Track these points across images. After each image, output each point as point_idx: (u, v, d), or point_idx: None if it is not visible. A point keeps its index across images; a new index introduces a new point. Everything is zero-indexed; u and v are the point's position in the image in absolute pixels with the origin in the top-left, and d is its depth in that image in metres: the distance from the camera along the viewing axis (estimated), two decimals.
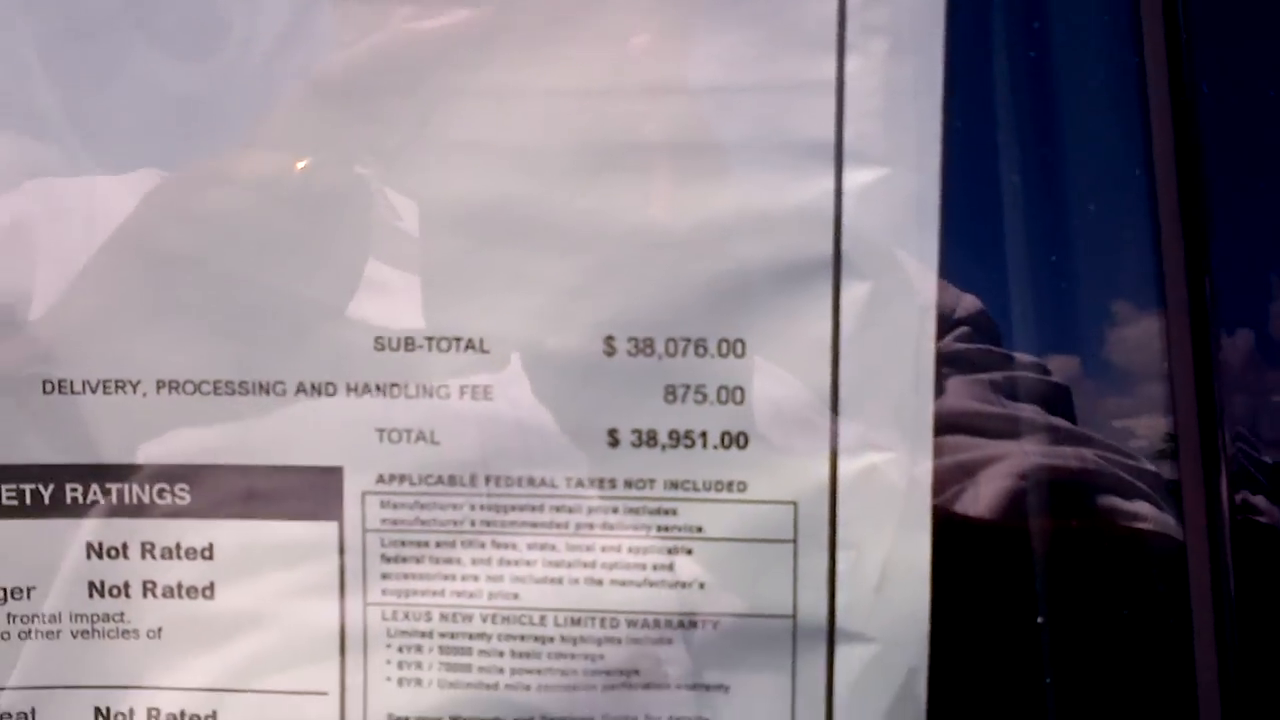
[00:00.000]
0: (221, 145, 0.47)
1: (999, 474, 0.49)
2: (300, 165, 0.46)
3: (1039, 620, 0.49)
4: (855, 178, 0.46)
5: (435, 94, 0.46)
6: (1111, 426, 0.49)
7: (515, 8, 0.46)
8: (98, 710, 0.50)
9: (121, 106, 0.46)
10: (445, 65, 0.46)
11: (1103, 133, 0.49)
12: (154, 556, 0.49)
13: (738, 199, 0.46)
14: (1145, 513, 0.49)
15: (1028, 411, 0.49)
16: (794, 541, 0.48)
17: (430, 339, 0.47)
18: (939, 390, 0.47)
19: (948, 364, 0.48)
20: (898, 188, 0.46)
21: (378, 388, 0.48)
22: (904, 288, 0.47)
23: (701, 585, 0.49)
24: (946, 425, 0.48)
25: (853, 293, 0.46)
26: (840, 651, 0.48)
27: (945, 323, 0.48)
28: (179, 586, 0.50)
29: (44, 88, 0.46)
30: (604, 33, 0.46)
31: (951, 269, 0.47)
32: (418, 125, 0.46)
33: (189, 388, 0.48)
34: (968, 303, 0.49)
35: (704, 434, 0.48)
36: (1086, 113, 0.48)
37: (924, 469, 0.48)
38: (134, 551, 0.49)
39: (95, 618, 0.50)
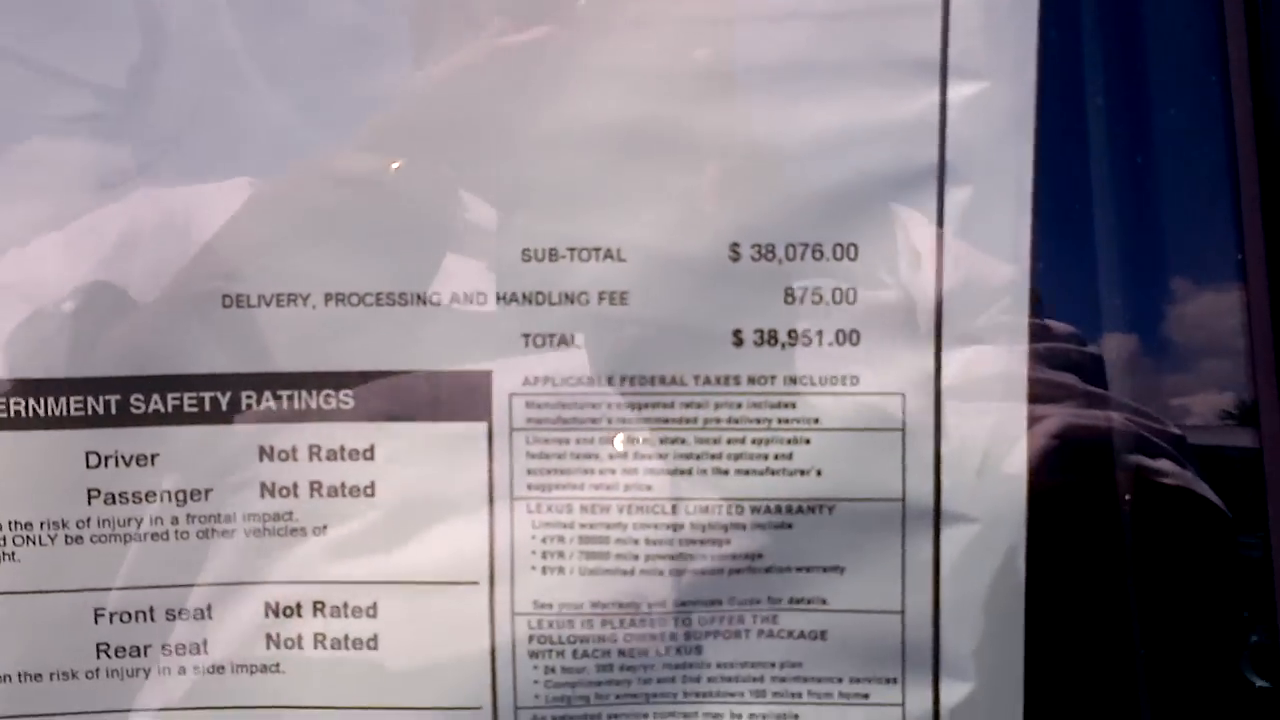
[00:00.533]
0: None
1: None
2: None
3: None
4: (959, 91, 0.51)
5: (584, 23, 0.51)
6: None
7: None
8: (267, 605, 0.54)
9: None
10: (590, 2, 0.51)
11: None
12: (320, 458, 0.53)
13: (851, 114, 0.51)
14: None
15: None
16: (902, 430, 0.53)
17: (572, 249, 0.52)
18: None
19: None
20: (997, 99, 0.51)
21: (524, 296, 0.52)
22: (1003, 190, 0.51)
23: (819, 473, 0.53)
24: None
25: (956, 196, 0.51)
26: (945, 532, 0.53)
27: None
28: (342, 486, 0.54)
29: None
30: None
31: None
32: (566, 53, 0.51)
33: (353, 299, 0.52)
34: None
35: (820, 333, 0.52)
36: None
37: (1019, 361, 0.52)
38: (302, 454, 0.53)
39: (266, 517, 0.54)
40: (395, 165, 0.51)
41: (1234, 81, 0.51)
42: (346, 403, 0.53)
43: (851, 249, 0.52)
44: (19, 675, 0.53)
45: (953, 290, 0.52)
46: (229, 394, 0.53)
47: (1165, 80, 0.53)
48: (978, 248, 0.52)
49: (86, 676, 0.54)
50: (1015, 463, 0.52)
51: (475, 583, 0.54)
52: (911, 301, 0.52)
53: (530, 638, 0.54)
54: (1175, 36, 0.54)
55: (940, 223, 0.52)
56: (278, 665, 0.54)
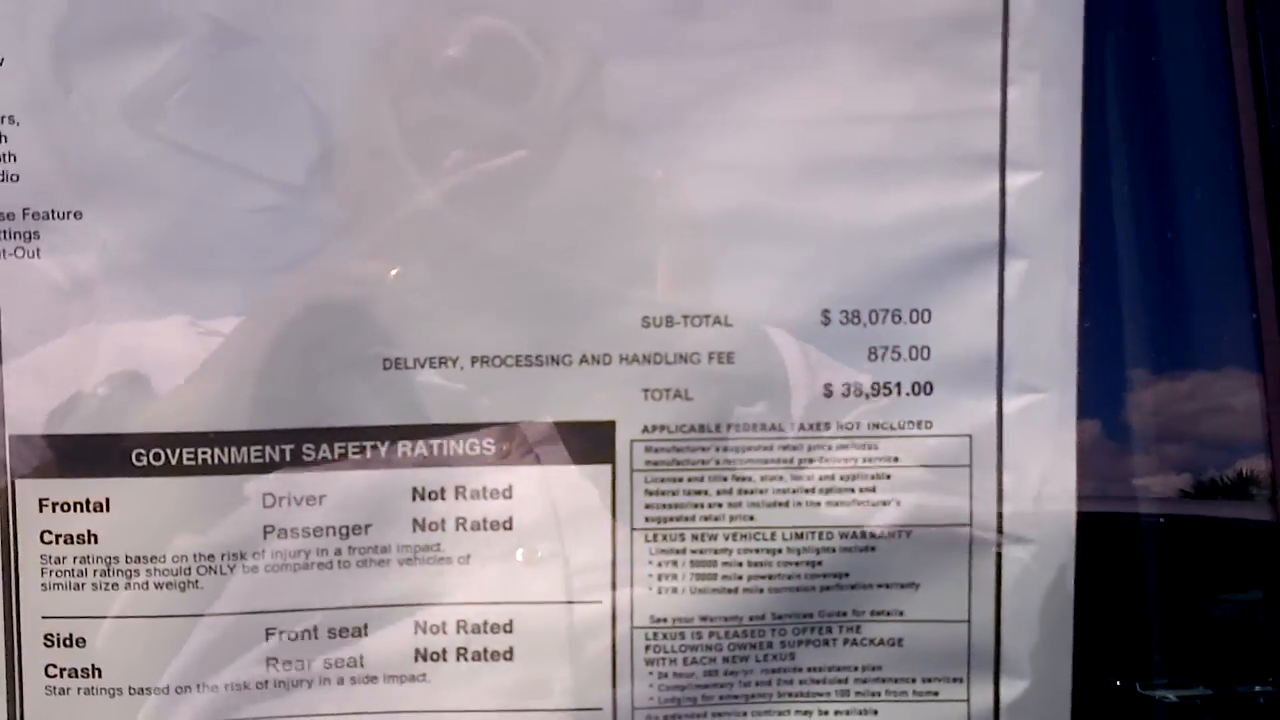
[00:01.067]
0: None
1: None
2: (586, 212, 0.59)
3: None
4: (1016, 180, 0.60)
5: (696, 126, 0.59)
6: None
7: (757, 60, 0.59)
8: (417, 624, 0.61)
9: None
10: (704, 105, 0.59)
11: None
12: (465, 497, 0.61)
13: (925, 200, 0.59)
14: None
15: None
16: (970, 466, 0.61)
17: (686, 316, 0.60)
18: None
19: None
20: (1049, 187, 0.60)
21: (644, 357, 0.60)
22: (1053, 264, 0.60)
23: (898, 503, 0.61)
24: None
25: (1014, 269, 0.60)
26: (1006, 552, 0.61)
27: None
28: (484, 521, 0.61)
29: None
30: (822, 76, 0.59)
31: None
32: (681, 151, 0.59)
33: (496, 361, 0.60)
34: None
35: (898, 384, 0.61)
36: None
37: (1069, 405, 0.61)
38: (449, 494, 0.61)
39: (417, 548, 0.61)
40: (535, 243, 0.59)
41: (1247, 165, 0.60)
42: (489, 449, 0.60)
43: (926, 313, 0.60)
44: (198, 686, 0.60)
45: (1012, 348, 0.60)
46: (387, 443, 0.60)
47: (1188, 164, 0.62)
48: (1033, 312, 0.60)
49: (257, 687, 0.61)
50: (1066, 492, 0.61)
51: (599, 602, 0.61)
52: (977, 357, 0.61)
53: (647, 647, 0.61)
54: (1194, 127, 0.63)
55: (1001, 291, 0.60)
56: (425, 675, 0.62)
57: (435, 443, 0.60)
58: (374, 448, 0.60)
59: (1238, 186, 0.61)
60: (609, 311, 0.60)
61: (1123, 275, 0.63)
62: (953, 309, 0.60)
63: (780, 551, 0.61)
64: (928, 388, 0.61)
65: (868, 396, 0.61)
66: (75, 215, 0.57)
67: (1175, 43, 0.62)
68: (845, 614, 0.62)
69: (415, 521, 0.61)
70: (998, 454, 0.61)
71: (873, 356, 0.61)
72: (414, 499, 0.61)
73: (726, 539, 0.61)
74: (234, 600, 0.60)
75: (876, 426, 0.61)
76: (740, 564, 0.61)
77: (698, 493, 0.61)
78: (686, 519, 0.61)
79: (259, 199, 0.58)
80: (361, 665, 0.61)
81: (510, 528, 0.61)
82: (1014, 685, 0.62)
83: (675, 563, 0.61)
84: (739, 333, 0.60)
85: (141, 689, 0.59)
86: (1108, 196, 0.62)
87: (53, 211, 0.57)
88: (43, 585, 0.59)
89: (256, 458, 0.59)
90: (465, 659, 0.62)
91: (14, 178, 0.57)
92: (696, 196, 0.59)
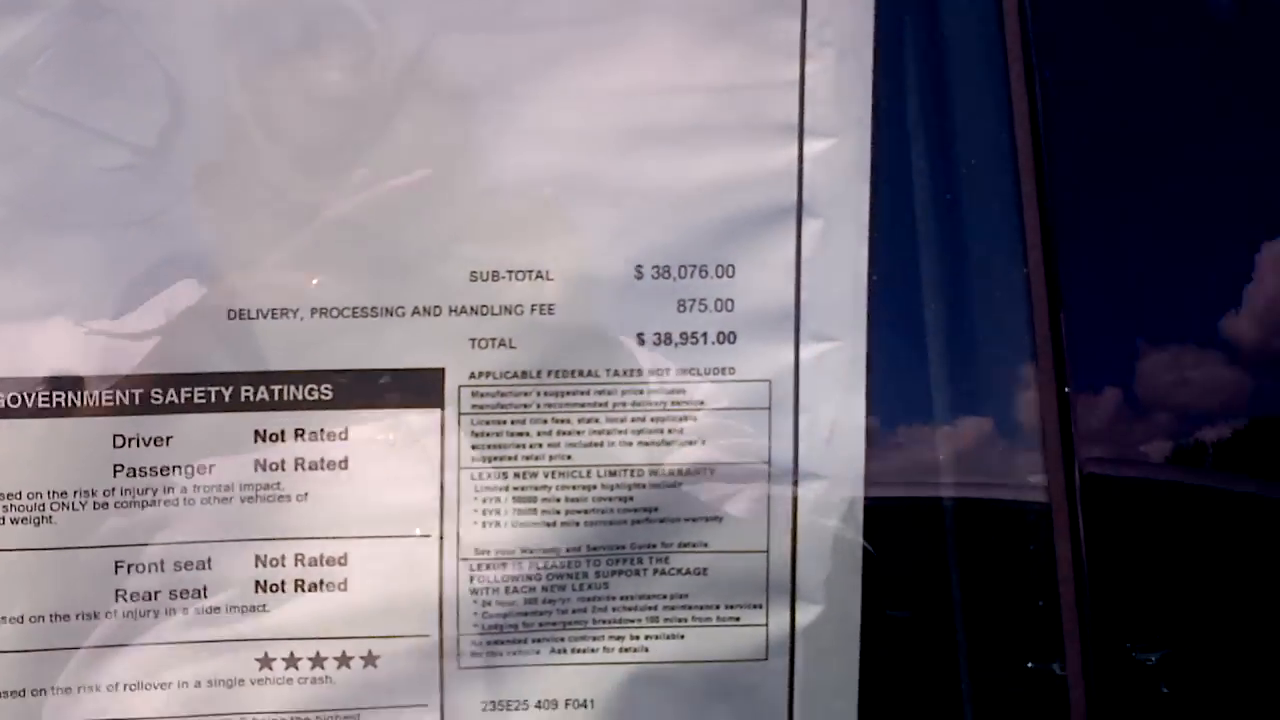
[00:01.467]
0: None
1: None
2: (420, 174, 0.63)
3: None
4: (812, 146, 0.65)
5: (522, 96, 0.64)
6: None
7: (579, 36, 0.64)
8: (257, 557, 0.65)
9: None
10: (530, 76, 0.64)
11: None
12: (304, 439, 0.64)
13: (731, 165, 0.65)
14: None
15: None
16: (769, 409, 0.66)
17: (511, 271, 0.64)
18: None
19: None
20: (842, 153, 0.65)
21: (471, 309, 0.64)
22: (846, 223, 0.66)
23: (703, 442, 0.66)
24: None
25: (811, 228, 0.65)
26: (802, 487, 0.67)
27: None
28: (322, 461, 0.64)
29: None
30: (638, 50, 0.64)
31: None
32: (508, 118, 0.64)
33: (334, 313, 0.63)
34: None
35: (704, 334, 0.66)
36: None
37: (860, 353, 0.66)
38: (289, 436, 0.64)
39: (258, 486, 0.64)
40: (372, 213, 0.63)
41: (1018, 132, 0.67)
42: (326, 394, 0.64)
43: (730, 269, 0.65)
44: (50, 616, 0.63)
45: (808, 300, 0.66)
46: (231, 388, 0.64)
47: (965, 134, 0.69)
48: (827, 267, 0.66)
49: (106, 616, 0.64)
50: (856, 432, 0.67)
51: (429, 535, 0.65)
52: (776, 309, 0.66)
53: (471, 578, 0.66)
54: (972, 99, 0.69)
55: (799, 249, 0.65)
56: (264, 606, 0.65)
57: (276, 388, 0.64)
58: (218, 393, 0.63)
59: (1010, 152, 0.67)
60: (439, 267, 0.64)
61: (909, 234, 0.67)
62: (755, 265, 0.65)
63: (595, 488, 0.66)
64: (731, 337, 0.66)
65: (676, 345, 0.66)
66: None
67: (956, 23, 0.67)
68: (654, 546, 0.67)
69: (257, 462, 0.64)
70: (794, 398, 0.66)
71: (681, 308, 0.65)
72: (256, 441, 0.64)
73: (546, 476, 0.66)
74: (85, 535, 0.63)
75: (684, 373, 0.66)
76: (558, 500, 0.66)
77: (520, 434, 0.65)
78: (509, 458, 0.65)
79: (114, 159, 0.61)
80: (205, 596, 0.64)
81: (346, 467, 0.65)
82: (809, 610, 0.67)
83: (499, 499, 0.65)
84: (559, 286, 0.64)
85: None
86: (896, 162, 0.67)
87: None
88: None
89: (108, 401, 0.63)
90: (303, 590, 0.65)
91: None
92: (522, 161, 0.64)
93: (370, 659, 0.65)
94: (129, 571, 0.63)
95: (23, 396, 0.61)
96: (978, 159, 0.66)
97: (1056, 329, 0.66)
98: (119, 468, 0.63)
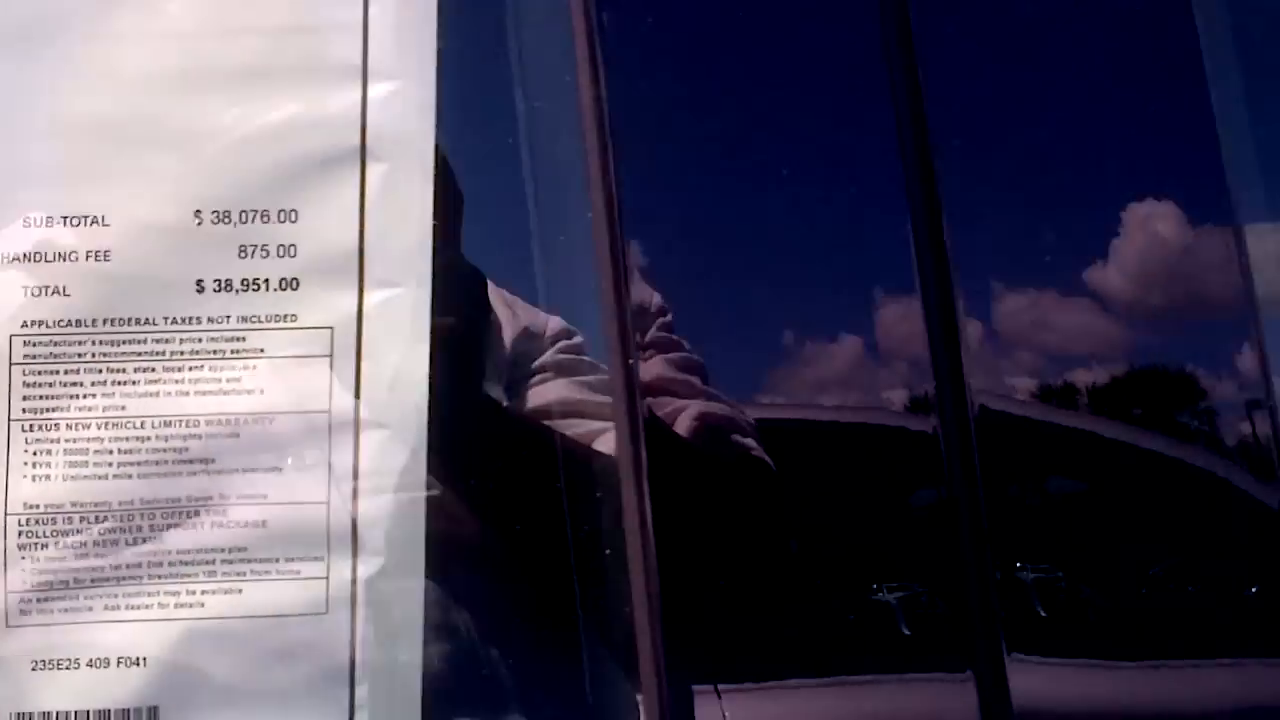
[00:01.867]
0: None
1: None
2: None
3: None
4: (376, 90, 0.66)
5: (80, 38, 0.65)
6: None
7: None
8: None
9: None
10: (87, 17, 0.65)
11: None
12: None
13: (293, 107, 0.65)
14: None
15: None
16: (330, 356, 0.65)
17: (65, 217, 0.64)
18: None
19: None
20: (406, 96, 0.66)
21: (25, 255, 0.64)
22: (411, 168, 0.66)
23: (262, 391, 0.65)
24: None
25: (375, 172, 0.65)
26: (364, 436, 0.65)
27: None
28: None
29: None
30: None
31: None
32: (65, 61, 0.65)
33: None
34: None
35: (266, 280, 0.65)
36: None
37: (424, 301, 0.65)
38: None
39: None
40: None
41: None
42: None
43: (293, 214, 0.65)
44: None
45: (372, 245, 0.65)
46: None
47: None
48: (391, 212, 0.65)
49: None
50: (419, 379, 0.65)
51: None
52: (340, 255, 0.65)
53: (20, 534, 0.63)
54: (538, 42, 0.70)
55: (362, 193, 0.65)
56: None
57: None
58: None
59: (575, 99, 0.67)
60: None
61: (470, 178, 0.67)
62: (318, 210, 0.65)
63: (149, 439, 0.64)
64: (294, 283, 0.65)
65: (237, 292, 0.65)
66: None
67: None
68: (211, 498, 0.64)
69: None
70: (357, 344, 0.65)
71: (243, 254, 0.65)
72: None
73: (99, 428, 0.64)
74: None
75: (244, 320, 0.65)
76: (111, 452, 0.64)
77: (73, 384, 0.64)
78: (61, 410, 0.64)
79: None
80: None
81: None
82: (370, 563, 0.65)
83: (50, 452, 0.64)
84: (115, 232, 0.64)
85: None
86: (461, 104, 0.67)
87: None
88: None
89: None
90: None
91: None
92: (78, 104, 0.65)
93: None
94: None
95: None
96: (542, 101, 0.66)
97: None
98: None
